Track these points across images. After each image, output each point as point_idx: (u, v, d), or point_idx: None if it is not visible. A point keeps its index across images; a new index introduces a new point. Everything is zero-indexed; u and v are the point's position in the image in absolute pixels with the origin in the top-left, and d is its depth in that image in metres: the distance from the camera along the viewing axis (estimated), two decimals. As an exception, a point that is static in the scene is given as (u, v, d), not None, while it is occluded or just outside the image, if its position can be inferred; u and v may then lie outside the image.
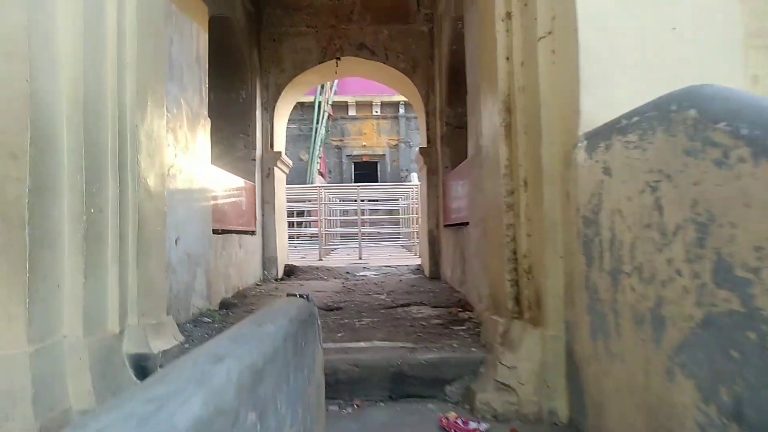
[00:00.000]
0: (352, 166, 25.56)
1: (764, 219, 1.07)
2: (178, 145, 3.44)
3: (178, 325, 3.30)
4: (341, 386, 2.53)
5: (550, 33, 2.35)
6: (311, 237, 13.54)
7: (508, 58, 2.62)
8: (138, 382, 2.49)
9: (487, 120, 2.98)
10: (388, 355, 2.69)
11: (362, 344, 3.00)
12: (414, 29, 6.51)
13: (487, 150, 3.00)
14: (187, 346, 2.94)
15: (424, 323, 3.63)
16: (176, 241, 3.39)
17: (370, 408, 2.50)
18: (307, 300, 1.78)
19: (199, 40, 3.95)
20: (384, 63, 6.52)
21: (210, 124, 4.16)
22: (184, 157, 3.55)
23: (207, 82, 4.11)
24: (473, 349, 2.78)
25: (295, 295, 1.79)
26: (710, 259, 1.23)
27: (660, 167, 1.46)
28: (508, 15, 2.61)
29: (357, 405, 2.52)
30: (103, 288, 2.42)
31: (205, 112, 4.06)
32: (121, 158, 2.52)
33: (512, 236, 2.62)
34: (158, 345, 2.64)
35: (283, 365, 1.19)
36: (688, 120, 1.33)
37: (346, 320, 3.81)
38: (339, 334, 3.32)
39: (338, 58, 6.47)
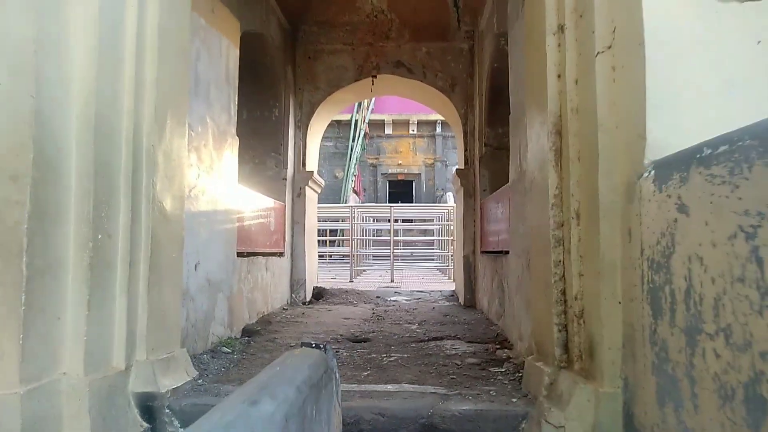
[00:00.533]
0: (387, 184, 25.45)
1: None
2: (201, 165, 3.27)
3: (194, 357, 3.11)
4: (365, 439, 2.27)
5: (609, 47, 2.08)
6: (343, 256, 13.36)
7: (559, 76, 2.36)
8: (143, 424, 2.29)
9: (533, 143, 2.71)
10: (418, 403, 2.42)
11: (389, 387, 2.73)
12: (453, 47, 6.29)
13: (532, 176, 2.73)
14: (200, 381, 2.73)
15: (458, 362, 3.34)
16: (196, 266, 3.20)
17: (397, 465, 2.23)
18: (324, 351, 1.54)
19: (230, 56, 3.81)
20: (421, 81, 6.31)
21: (238, 142, 4.01)
22: (208, 177, 3.38)
23: (236, 99, 3.96)
24: (514, 400, 2.49)
25: (311, 345, 1.55)
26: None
27: (760, 209, 1.18)
28: (561, 28, 2.36)
29: (382, 460, 2.26)
30: (109, 320, 2.24)
31: (233, 131, 3.91)
32: (134, 180, 2.35)
33: (561, 275, 2.33)
34: (167, 383, 2.44)
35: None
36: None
37: (374, 355, 3.56)
38: (365, 373, 3.06)
39: (374, 76, 6.30)
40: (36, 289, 1.92)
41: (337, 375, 1.58)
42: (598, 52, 2.10)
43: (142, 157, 2.40)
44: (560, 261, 2.34)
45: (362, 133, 22.99)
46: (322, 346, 1.55)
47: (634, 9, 1.91)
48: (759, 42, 1.84)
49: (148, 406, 2.33)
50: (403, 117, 23.99)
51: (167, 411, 2.36)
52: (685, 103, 1.81)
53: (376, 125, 24.30)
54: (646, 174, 1.77)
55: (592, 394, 2.06)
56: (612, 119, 2.04)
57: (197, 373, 2.77)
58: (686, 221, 1.52)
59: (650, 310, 1.74)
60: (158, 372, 2.42)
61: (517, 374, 2.97)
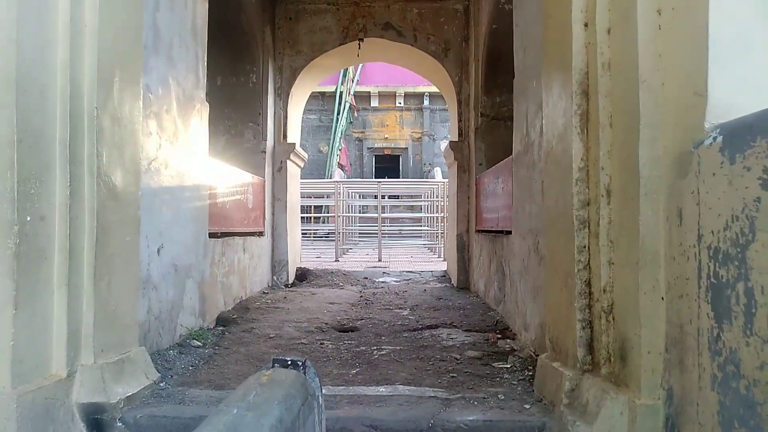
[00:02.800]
0: (373, 159, 25.00)
1: None
2: (163, 134, 2.88)
3: (158, 353, 2.77)
4: (355, 458, 1.95)
5: (652, -15, 1.72)
6: (328, 233, 12.99)
7: (587, 24, 1.99)
8: (90, 441, 1.94)
9: (550, 108, 2.35)
10: (416, 412, 2.10)
11: (382, 390, 2.41)
12: (447, 7, 5.87)
13: (549, 146, 2.37)
14: (163, 385, 2.39)
15: (457, 356, 3.03)
16: (159, 250, 2.83)
17: (393, 488, 1.92)
18: (304, 371, 1.19)
19: (197, 8, 3.38)
20: (412, 45, 5.90)
21: (208, 109, 3.60)
22: (172, 147, 2.99)
23: (205, 60, 3.54)
24: (527, 406, 2.17)
25: (286, 362, 1.21)
26: None
27: None
28: (589, -34, 1.99)
29: (375, 482, 1.94)
30: (44, 320, 1.87)
31: (202, 95, 3.50)
32: (73, 150, 1.97)
33: (586, 262, 2.00)
34: (120, 390, 2.09)
35: None
36: None
37: (363, 347, 3.23)
38: (353, 371, 2.74)
39: (361, 40, 5.87)
40: (-59, 285, 1.55)
41: (321, 400, 1.24)
42: (638, -8, 1.74)
43: (83, 122, 2.01)
44: (585, 246, 2.01)
45: (347, 105, 22.47)
46: (300, 363, 1.21)
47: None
48: None
49: (95, 420, 1.98)
50: (390, 89, 23.46)
51: (119, 425, 2.02)
52: (759, 54, 1.47)
53: (362, 97, 23.73)
54: (709, 141, 1.43)
55: (625, 406, 1.75)
56: (657, 75, 1.68)
57: (159, 375, 2.42)
58: (746, 193, 1.19)
59: (711, 310, 1.42)
60: (109, 378, 2.07)
61: (525, 372, 2.66)
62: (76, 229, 1.98)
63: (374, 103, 24.41)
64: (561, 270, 2.18)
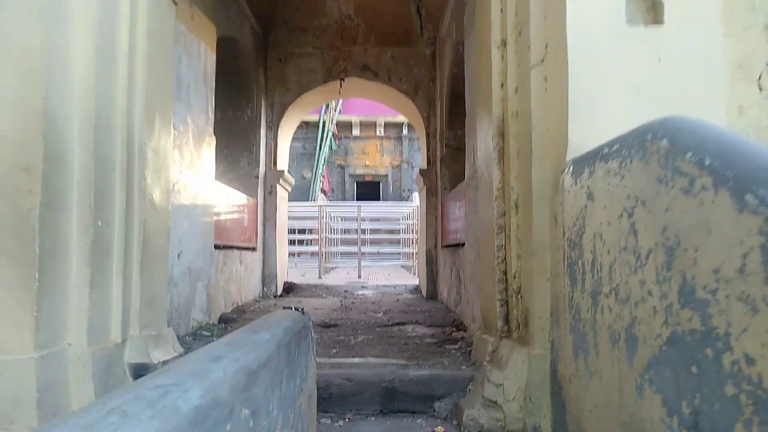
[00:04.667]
0: (355, 185, 25.68)
1: (722, 244, 1.16)
2: (183, 162, 3.56)
3: (177, 338, 3.39)
4: (334, 400, 2.61)
5: (542, 61, 2.47)
6: (311, 255, 13.62)
7: (502, 85, 2.74)
8: (137, 391, 2.57)
9: (482, 143, 3.09)
10: (381, 371, 2.77)
11: (356, 360, 3.08)
12: (417, 52, 6.67)
13: (481, 172, 3.11)
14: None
15: (417, 341, 3.70)
16: (179, 255, 3.48)
17: (362, 422, 2.58)
18: (302, 313, 1.87)
19: (207, 60, 4.09)
20: (386, 84, 6.67)
21: (215, 141, 4.29)
22: (189, 173, 3.66)
23: (213, 101, 4.24)
24: (463, 367, 2.86)
25: (291, 308, 1.88)
26: (676, 281, 1.33)
27: (636, 194, 1.56)
28: (504, 43, 2.74)
29: (349, 419, 2.60)
30: (108, 299, 2.52)
31: (211, 130, 4.19)
32: (129, 173, 2.64)
33: (503, 257, 2.71)
34: (158, 355, 2.73)
35: (276, 371, 1.28)
36: (660, 149, 1.43)
37: (342, 337, 3.89)
38: (334, 350, 3.40)
39: (342, 79, 6.63)
40: (46, 268, 2.20)
41: (312, 334, 1.91)
42: (533, 65, 2.48)
43: (135, 153, 2.68)
44: (502, 245, 2.72)
45: (330, 134, 23.22)
46: (300, 308, 1.89)
47: (561, 30, 2.29)
48: (660, 60, 2.25)
49: (141, 375, 2.61)
50: (371, 119, 24.27)
51: (158, 380, 2.65)
52: (601, 110, 2.20)
53: (344, 126, 24.52)
54: (566, 169, 2.16)
55: (526, 357, 2.44)
56: (543, 123, 2.42)
57: (183, 350, 3.06)
58: (592, 206, 1.91)
59: (569, 281, 2.12)
60: (150, 346, 2.71)
61: (468, 349, 3.34)
62: (129, 233, 2.64)
63: (356, 131, 25.19)
64: (488, 265, 2.89)
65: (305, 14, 6.56)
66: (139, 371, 2.63)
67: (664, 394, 1.37)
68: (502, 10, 2.74)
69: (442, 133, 6.12)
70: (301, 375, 1.67)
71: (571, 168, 2.12)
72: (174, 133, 3.37)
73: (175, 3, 3.10)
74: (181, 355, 2.97)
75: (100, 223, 2.45)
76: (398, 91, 6.69)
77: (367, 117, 24.17)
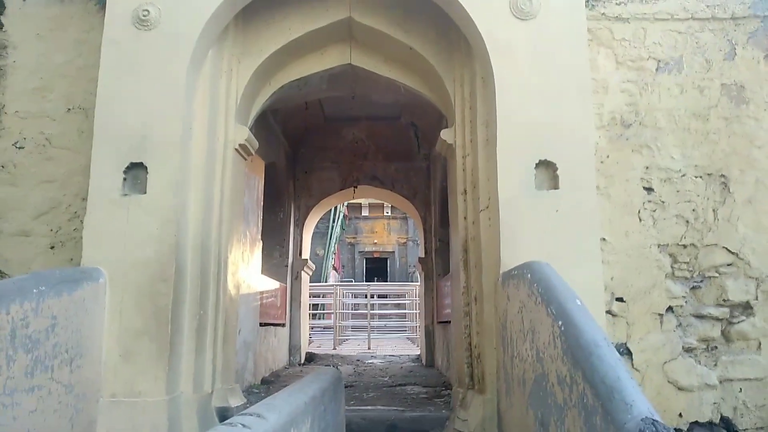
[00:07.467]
0: (364, 261, 26.78)
1: (544, 329, 2.34)
2: (243, 263, 4.79)
3: (237, 393, 4.49)
4: (354, 430, 3.70)
5: (487, 207, 3.71)
6: (324, 328, 14.63)
7: (465, 218, 3.98)
8: (220, 427, 3.68)
9: (454, 254, 4.32)
10: (386, 414, 3.86)
11: (368, 407, 4.16)
12: (415, 165, 8.06)
13: (455, 273, 4.31)
14: (248, 404, 4.13)
15: (414, 396, 4.78)
16: (239, 331, 4.65)
17: (373, 448, 3.65)
18: (337, 369, 3.03)
19: (259, 188, 5.42)
20: (391, 190, 8.02)
21: (261, 244, 5.55)
22: (246, 270, 4.89)
23: (261, 215, 5.53)
24: (443, 411, 3.95)
25: (329, 366, 3.05)
26: (534, 347, 2.49)
27: (522, 300, 2.76)
28: (465, 191, 4.00)
29: (364, 446, 3.67)
30: (203, 362, 3.67)
31: (259, 237, 5.46)
32: (217, 278, 3.85)
33: (468, 334, 3.85)
34: (234, 402, 3.85)
35: (323, 403, 2.44)
36: (527, 278, 2.64)
37: (357, 394, 4.96)
38: (351, 402, 4.48)
39: (355, 187, 7.98)
40: (172, 342, 3.37)
41: (343, 384, 3.04)
42: (482, 209, 3.72)
43: (221, 264, 3.91)
44: (468, 325, 3.87)
45: (342, 214, 24.63)
46: (336, 366, 3.04)
47: (495, 189, 3.53)
48: (557, 210, 3.47)
49: (224, 416, 3.72)
50: (379, 201, 25.73)
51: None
52: (520, 241, 3.41)
53: (354, 207, 25.96)
54: (499, 279, 3.36)
55: (481, 401, 3.52)
56: (489, 246, 3.62)
57: (245, 400, 4.17)
58: (508, 303, 3.09)
59: (502, 350, 3.27)
60: (228, 396, 3.83)
61: (449, 401, 4.42)
62: (217, 318, 3.82)
63: (365, 212, 26.58)
64: (459, 339, 4.02)
65: (327, 137, 8.01)
66: (222, 413, 3.73)
67: (534, 410, 2.50)
68: (464, 170, 4.02)
69: (436, 230, 7.38)
70: (338, 410, 2.81)
71: (501, 279, 3.32)
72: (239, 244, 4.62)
73: (245, 159, 4.43)
74: (245, 404, 4.07)
75: (201, 312, 3.65)
76: (400, 196, 8.02)
77: (375, 200, 25.64)
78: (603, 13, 4.05)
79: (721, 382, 3.58)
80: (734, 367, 3.60)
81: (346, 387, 5.41)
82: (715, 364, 3.62)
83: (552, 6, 3.60)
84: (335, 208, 23.93)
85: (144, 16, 3.50)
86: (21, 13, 4.00)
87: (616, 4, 4.08)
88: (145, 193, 3.39)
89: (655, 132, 3.93)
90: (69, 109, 3.90)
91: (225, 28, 3.86)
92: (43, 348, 2.66)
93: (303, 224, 7.99)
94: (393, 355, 9.31)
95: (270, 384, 5.46)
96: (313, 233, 25.31)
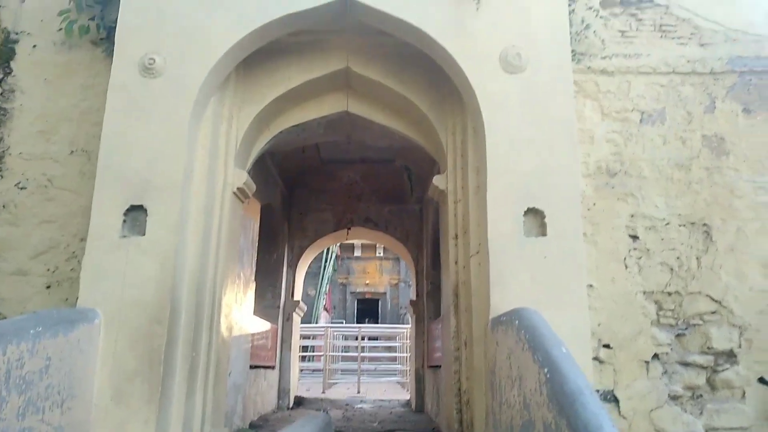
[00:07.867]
0: (356, 302, 26.60)
1: (531, 375, 2.39)
2: (236, 303, 4.81)
3: (226, 437, 4.45)
4: (343, 478, 3.67)
5: (478, 252, 3.80)
6: (312, 371, 14.44)
7: (456, 262, 4.06)
8: (208, 471, 3.64)
9: (445, 298, 4.38)
10: (375, 459, 3.83)
11: (358, 453, 4.14)
12: (408, 208, 8.18)
13: (446, 318, 4.36)
14: (235, 450, 4.09)
15: (404, 442, 4.74)
16: (230, 374, 4.64)
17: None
18: (326, 414, 3.05)
19: (254, 229, 5.49)
20: (384, 232, 8.10)
21: (255, 286, 5.58)
22: (239, 312, 4.91)
23: (255, 256, 5.59)
24: (433, 458, 3.92)
25: (318, 410, 3.07)
26: (521, 394, 2.54)
27: (510, 346, 2.81)
28: (456, 236, 4.10)
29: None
30: (194, 405, 3.66)
31: (253, 278, 5.50)
32: (211, 319, 3.89)
33: (458, 378, 3.88)
34: (221, 446, 3.82)
35: (320, 439, 2.46)
36: (515, 325, 2.71)
37: (347, 439, 4.92)
38: (341, 447, 4.45)
39: (349, 228, 8.07)
40: (165, 385, 3.38)
41: (332, 430, 3.05)
42: (472, 255, 3.81)
43: (215, 305, 3.94)
44: (458, 370, 3.90)
45: (334, 255, 24.60)
46: (325, 410, 3.06)
47: (485, 236, 3.63)
48: (545, 257, 3.57)
49: (211, 460, 3.69)
50: (371, 241, 25.75)
51: (221, 464, 3.71)
52: (509, 286, 3.48)
53: (347, 248, 25.94)
54: (488, 324, 3.42)
55: (472, 447, 3.54)
56: (479, 291, 3.69)
57: (233, 444, 4.14)
58: (497, 349, 3.15)
59: (491, 395, 3.30)
60: (217, 439, 3.81)
61: (440, 447, 4.40)
62: (208, 360, 3.83)
63: (357, 252, 26.54)
64: (449, 384, 4.05)
65: (322, 179, 8.14)
66: (211, 456, 3.70)
67: (521, 456, 2.53)
68: (455, 215, 4.13)
69: (428, 273, 7.43)
70: (327, 450, 2.82)
71: (490, 324, 3.38)
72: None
73: (242, 201, 4.52)
74: (233, 448, 4.04)
75: (194, 353, 3.66)
76: (393, 238, 8.11)
77: (368, 240, 25.66)
78: (589, 67, 4.24)
79: (707, 431, 3.61)
80: (719, 416, 3.63)
81: None
82: (701, 413, 3.65)
83: (540, 60, 3.78)
84: (327, 249, 24.01)
85: (150, 64, 3.64)
86: (30, 59, 4.14)
87: (602, 58, 4.27)
88: (144, 234, 3.46)
89: (640, 181, 4.07)
90: (72, 152, 4.00)
91: (227, 77, 4.02)
92: (36, 389, 2.67)
93: (296, 265, 8.03)
94: (383, 400, 9.21)
95: (258, 428, 5.40)
96: (305, 273, 25.17)
